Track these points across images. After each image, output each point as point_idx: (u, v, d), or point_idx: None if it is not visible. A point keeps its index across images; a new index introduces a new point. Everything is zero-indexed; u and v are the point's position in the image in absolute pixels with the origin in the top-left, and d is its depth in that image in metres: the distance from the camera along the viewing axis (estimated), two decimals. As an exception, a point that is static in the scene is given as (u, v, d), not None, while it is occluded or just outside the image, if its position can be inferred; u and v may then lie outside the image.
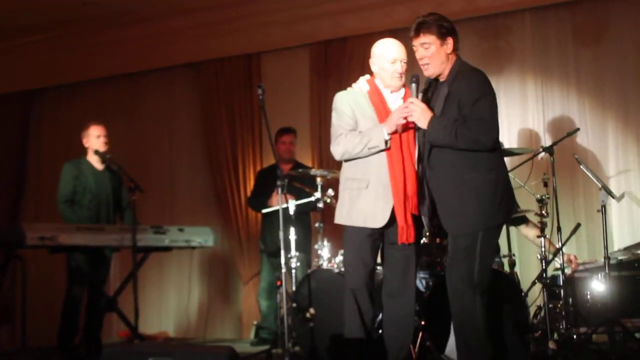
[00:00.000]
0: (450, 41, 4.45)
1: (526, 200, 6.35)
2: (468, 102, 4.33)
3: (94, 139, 6.85)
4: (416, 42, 4.49)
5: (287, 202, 6.30)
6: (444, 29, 4.44)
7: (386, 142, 4.64)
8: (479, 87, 4.34)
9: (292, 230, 6.32)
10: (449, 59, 4.48)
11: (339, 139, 4.79)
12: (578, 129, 6.43)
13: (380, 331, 5.38)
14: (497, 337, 4.57)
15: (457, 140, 4.32)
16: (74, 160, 6.91)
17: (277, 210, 5.71)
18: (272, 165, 7.26)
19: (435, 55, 4.46)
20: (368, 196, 4.72)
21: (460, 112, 4.36)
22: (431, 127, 4.42)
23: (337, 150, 4.80)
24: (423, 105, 4.48)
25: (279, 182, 6.00)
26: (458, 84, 4.40)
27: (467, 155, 4.37)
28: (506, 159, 6.37)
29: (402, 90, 4.83)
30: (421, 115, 4.45)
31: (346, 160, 4.85)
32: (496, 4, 7.67)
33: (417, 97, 4.55)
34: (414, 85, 4.56)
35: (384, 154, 4.68)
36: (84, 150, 6.93)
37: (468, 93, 4.34)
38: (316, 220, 6.80)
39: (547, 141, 6.99)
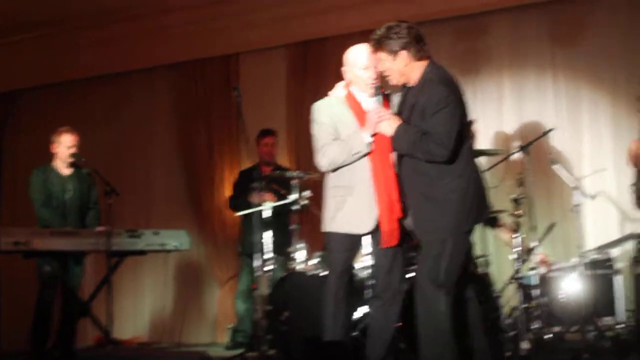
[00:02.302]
0: (404, 54, 4.43)
1: (502, 200, 6.36)
2: (428, 113, 4.33)
3: (64, 148, 6.80)
4: (376, 57, 4.56)
5: (272, 201, 6.31)
6: (395, 45, 4.42)
7: (368, 145, 4.64)
8: (439, 99, 4.31)
9: (268, 232, 6.32)
10: (411, 68, 4.47)
11: (322, 150, 4.78)
12: (553, 129, 6.43)
13: (356, 333, 5.39)
14: (466, 337, 4.55)
15: (415, 150, 4.36)
16: (40, 167, 6.85)
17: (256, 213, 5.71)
18: (253, 166, 7.26)
19: (391, 70, 4.50)
20: (353, 203, 4.72)
21: (423, 122, 4.37)
22: (396, 134, 4.46)
23: (323, 162, 4.79)
24: (389, 114, 4.55)
25: (255, 184, 6.02)
26: (423, 94, 4.40)
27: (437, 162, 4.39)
28: (482, 159, 6.43)
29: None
30: (388, 122, 4.51)
31: (332, 170, 4.84)
32: (474, 4, 7.67)
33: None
34: (378, 96, 4.63)
35: (367, 160, 4.68)
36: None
37: (429, 104, 4.33)
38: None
39: (522, 141, 6.98)
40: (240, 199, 7.38)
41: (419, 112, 4.39)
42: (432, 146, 4.29)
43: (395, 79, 4.53)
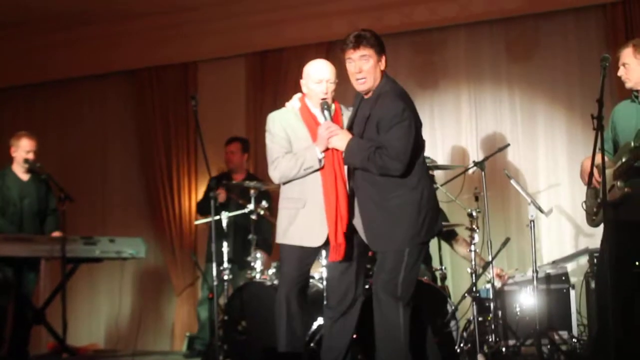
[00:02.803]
0: (384, 58, 4.45)
1: (458, 214, 6.41)
2: (384, 127, 4.32)
3: (23, 152, 6.75)
4: (354, 55, 4.41)
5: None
6: (381, 46, 4.43)
7: (320, 161, 4.65)
8: (396, 113, 4.30)
9: (227, 241, 6.35)
10: (380, 76, 4.47)
11: (275, 162, 4.78)
12: (509, 145, 6.50)
13: (312, 344, 5.39)
14: (422, 350, 4.59)
15: (368, 164, 4.34)
16: None
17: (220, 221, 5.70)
18: (224, 173, 7.31)
19: (372, 70, 4.41)
20: (305, 216, 4.73)
21: (378, 135, 4.36)
22: (348, 149, 4.46)
23: (275, 175, 4.80)
24: (338, 128, 4.56)
25: (211, 194, 6.00)
26: (378, 107, 4.38)
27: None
28: (439, 173, 6.49)
29: (332, 108, 4.81)
30: (339, 137, 4.52)
31: (284, 183, 4.85)
32: (432, 19, 7.74)
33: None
34: (326, 112, 4.64)
35: (319, 173, 4.69)
36: (10, 159, 6.83)
37: (385, 118, 4.32)
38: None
39: (480, 155, 7.06)
40: (206, 204, 7.35)
41: (373, 124, 4.38)
42: (387, 160, 4.28)
43: (369, 82, 4.42)
